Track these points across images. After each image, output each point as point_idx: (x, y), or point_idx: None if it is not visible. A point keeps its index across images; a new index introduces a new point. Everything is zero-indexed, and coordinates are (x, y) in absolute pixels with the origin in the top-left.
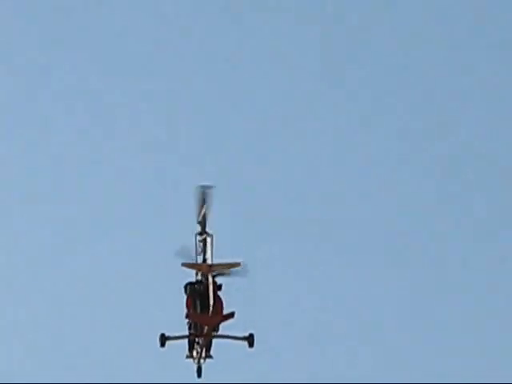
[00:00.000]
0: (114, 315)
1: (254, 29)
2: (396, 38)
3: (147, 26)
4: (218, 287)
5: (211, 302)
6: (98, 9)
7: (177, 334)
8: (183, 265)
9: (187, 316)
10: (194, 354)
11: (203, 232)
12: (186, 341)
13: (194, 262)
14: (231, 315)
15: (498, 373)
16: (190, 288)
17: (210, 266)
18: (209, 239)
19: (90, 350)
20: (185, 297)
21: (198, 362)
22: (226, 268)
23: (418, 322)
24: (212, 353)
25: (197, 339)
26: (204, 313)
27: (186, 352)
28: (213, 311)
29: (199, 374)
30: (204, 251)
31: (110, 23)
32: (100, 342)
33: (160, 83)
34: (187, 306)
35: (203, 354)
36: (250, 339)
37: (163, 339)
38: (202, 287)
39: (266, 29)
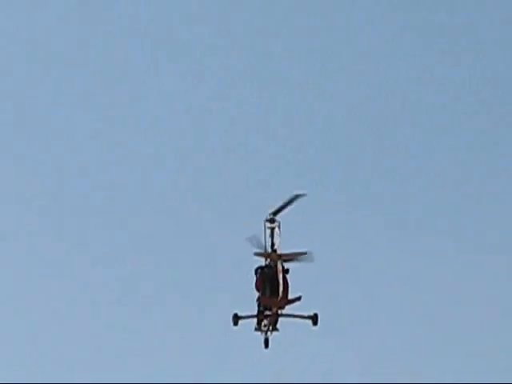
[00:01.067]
0: (189, 295)
1: None
2: None
3: None
4: (285, 271)
5: (280, 287)
6: None
7: (248, 314)
8: (255, 254)
9: (258, 298)
10: (262, 327)
11: (273, 220)
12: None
13: (264, 250)
14: (298, 299)
15: None
16: (261, 272)
17: (280, 255)
18: (277, 228)
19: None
20: (254, 278)
21: (266, 334)
22: (293, 256)
23: None
24: (278, 326)
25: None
26: (273, 296)
27: (255, 325)
28: (281, 295)
29: (266, 345)
30: (272, 237)
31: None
32: (178, 320)
33: None
34: (257, 287)
35: (270, 328)
36: (314, 318)
37: (236, 319)
38: (271, 272)
39: None
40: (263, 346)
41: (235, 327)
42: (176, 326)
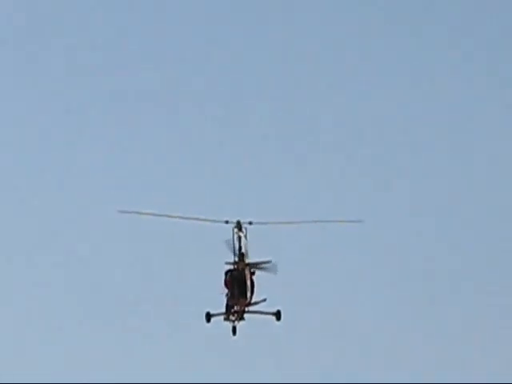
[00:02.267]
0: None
1: None
2: None
3: None
4: (252, 273)
5: (248, 292)
6: None
7: (218, 312)
8: (226, 263)
9: (227, 294)
10: (230, 318)
11: (240, 227)
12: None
13: (234, 253)
14: (263, 300)
15: None
16: (231, 275)
17: (247, 264)
18: (243, 236)
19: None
20: (223, 278)
21: (233, 323)
22: (259, 266)
23: None
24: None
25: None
26: (241, 298)
27: (224, 316)
28: (248, 299)
29: (234, 333)
30: (239, 243)
31: None
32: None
33: None
34: (226, 286)
35: (237, 319)
36: (277, 314)
37: (208, 316)
38: (239, 276)
39: None
40: (231, 333)
41: (208, 324)
42: (158, 323)
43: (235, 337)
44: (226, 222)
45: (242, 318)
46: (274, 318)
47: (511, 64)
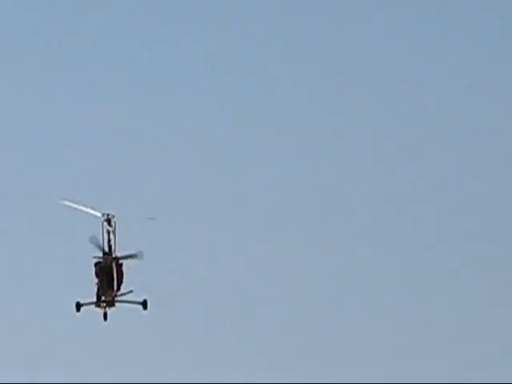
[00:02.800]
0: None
1: None
2: None
3: None
4: (119, 265)
5: (115, 285)
6: None
7: (88, 301)
8: (94, 257)
9: (97, 283)
10: (101, 304)
11: (109, 222)
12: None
13: (102, 249)
14: (130, 292)
15: None
16: (99, 267)
17: (114, 258)
18: (111, 231)
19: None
20: (94, 269)
21: (104, 309)
22: (125, 258)
23: None
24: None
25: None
26: (109, 289)
27: (95, 303)
28: (115, 290)
29: (105, 318)
30: (108, 237)
31: None
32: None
33: None
34: (96, 276)
35: (107, 305)
36: (144, 303)
37: (78, 306)
38: (107, 268)
39: None
40: (102, 318)
41: (78, 313)
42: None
43: (106, 322)
44: (103, 214)
45: (112, 305)
46: (141, 306)
47: None
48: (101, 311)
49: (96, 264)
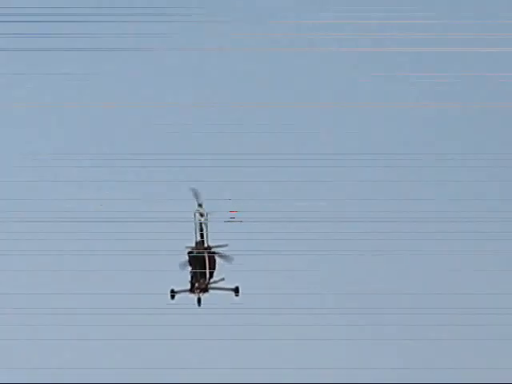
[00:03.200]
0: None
1: None
2: None
3: None
4: (212, 253)
5: (207, 273)
6: None
7: (182, 289)
8: (189, 252)
9: (191, 278)
10: (195, 290)
11: (202, 214)
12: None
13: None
14: (222, 279)
15: None
16: (192, 256)
17: (207, 248)
18: (204, 222)
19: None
20: (187, 257)
21: (198, 295)
22: (217, 254)
23: None
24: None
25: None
26: (202, 277)
27: (189, 289)
28: (208, 278)
29: (199, 303)
30: (201, 229)
31: None
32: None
33: None
34: (190, 264)
35: (202, 293)
36: (236, 290)
37: (173, 293)
38: (201, 258)
39: None
40: (197, 304)
41: (172, 300)
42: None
43: (200, 307)
44: (200, 205)
45: (206, 291)
46: (233, 293)
47: None
48: (195, 297)
49: (189, 253)
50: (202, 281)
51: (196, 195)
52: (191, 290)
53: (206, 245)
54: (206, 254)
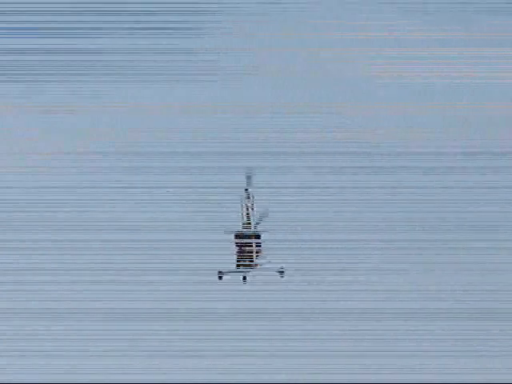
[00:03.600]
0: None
1: None
2: None
3: None
4: (257, 237)
5: (254, 254)
6: None
7: (229, 270)
8: (236, 237)
9: (237, 260)
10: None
11: (248, 196)
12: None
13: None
14: (268, 262)
15: None
16: (239, 239)
17: (253, 235)
18: (250, 205)
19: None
20: (234, 240)
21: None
22: (260, 222)
23: None
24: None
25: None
26: (248, 260)
27: (236, 267)
28: (254, 263)
29: (244, 280)
30: (248, 212)
31: None
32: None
33: None
34: (236, 245)
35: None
36: (281, 271)
37: (221, 274)
38: (248, 242)
39: None
40: (242, 281)
41: (220, 281)
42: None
43: (246, 284)
44: (246, 190)
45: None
46: (278, 274)
47: None
48: (240, 275)
49: (236, 236)
50: (248, 263)
51: (249, 179)
52: (237, 272)
53: (252, 228)
54: (253, 238)
